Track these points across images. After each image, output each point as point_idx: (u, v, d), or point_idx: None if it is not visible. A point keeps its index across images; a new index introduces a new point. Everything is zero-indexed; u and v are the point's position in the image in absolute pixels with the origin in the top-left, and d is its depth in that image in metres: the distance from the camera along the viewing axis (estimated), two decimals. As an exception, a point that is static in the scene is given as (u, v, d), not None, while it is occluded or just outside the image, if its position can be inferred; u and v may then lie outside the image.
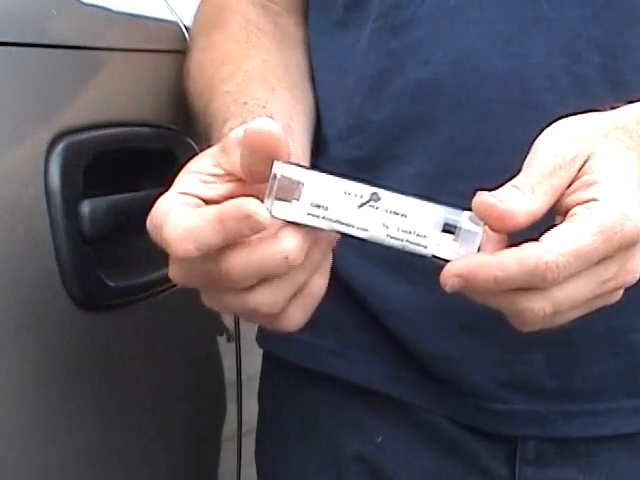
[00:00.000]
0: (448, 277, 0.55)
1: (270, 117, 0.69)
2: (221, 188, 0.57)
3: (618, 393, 0.75)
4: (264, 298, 0.57)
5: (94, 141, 0.76)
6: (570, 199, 0.57)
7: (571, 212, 0.56)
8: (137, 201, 0.79)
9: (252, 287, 0.56)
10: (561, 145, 0.58)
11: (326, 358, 0.80)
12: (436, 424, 0.78)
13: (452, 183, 0.71)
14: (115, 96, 0.81)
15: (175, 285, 0.85)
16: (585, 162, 0.57)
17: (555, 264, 0.53)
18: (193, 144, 0.89)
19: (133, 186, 0.81)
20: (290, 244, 0.55)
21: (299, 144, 0.73)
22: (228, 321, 1.00)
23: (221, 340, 1.00)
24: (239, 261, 0.55)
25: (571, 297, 0.56)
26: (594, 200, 0.56)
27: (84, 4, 0.80)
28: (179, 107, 0.84)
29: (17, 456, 0.68)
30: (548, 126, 0.60)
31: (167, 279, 0.85)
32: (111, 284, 0.75)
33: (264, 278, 0.56)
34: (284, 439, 0.86)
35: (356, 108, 0.76)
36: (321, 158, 0.79)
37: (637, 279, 0.58)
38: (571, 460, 0.76)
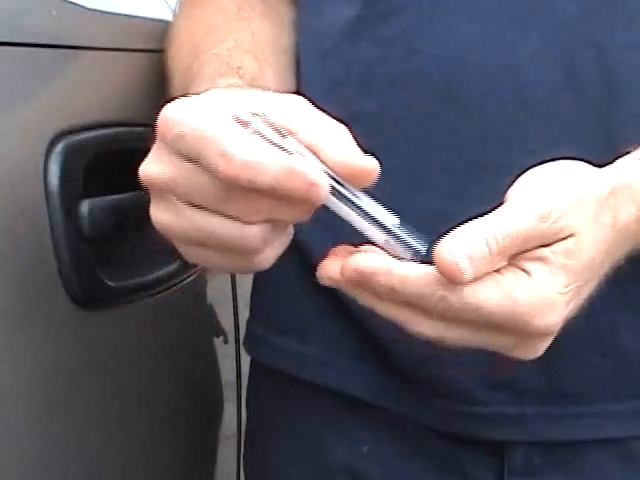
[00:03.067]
0: (348, 269, 0.55)
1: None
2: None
3: (606, 396, 0.74)
4: (260, 231, 0.54)
5: (94, 141, 0.76)
6: (521, 258, 0.56)
7: (505, 268, 0.55)
8: (136, 201, 0.79)
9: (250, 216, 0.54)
10: (554, 212, 0.56)
11: (311, 366, 0.79)
12: (422, 434, 0.77)
13: (438, 179, 0.70)
14: (115, 96, 0.81)
15: (175, 285, 0.86)
16: (565, 238, 0.56)
17: (451, 303, 0.54)
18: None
19: (132, 186, 0.81)
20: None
21: None
22: (224, 324, 1.00)
23: (220, 341, 1.00)
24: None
25: (456, 337, 0.56)
26: (525, 272, 0.55)
27: (84, 7, 0.80)
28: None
29: (16, 455, 0.68)
30: (538, 165, 0.59)
31: (166, 279, 0.85)
32: (110, 284, 0.75)
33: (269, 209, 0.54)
34: (270, 447, 0.85)
35: (345, 98, 0.74)
36: None
37: (533, 358, 0.59)
38: (559, 468, 0.75)
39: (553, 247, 0.56)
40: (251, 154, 0.51)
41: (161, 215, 0.56)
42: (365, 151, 0.73)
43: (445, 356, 0.72)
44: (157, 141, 0.56)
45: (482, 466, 0.76)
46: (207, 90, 0.60)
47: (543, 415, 0.73)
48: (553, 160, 0.60)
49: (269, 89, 0.68)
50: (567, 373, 0.72)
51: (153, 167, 0.56)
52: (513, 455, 0.75)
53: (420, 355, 0.74)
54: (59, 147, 0.71)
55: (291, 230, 0.58)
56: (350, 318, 0.77)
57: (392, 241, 0.56)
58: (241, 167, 0.51)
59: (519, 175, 0.60)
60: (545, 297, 0.55)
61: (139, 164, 0.83)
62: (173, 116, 0.53)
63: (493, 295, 0.54)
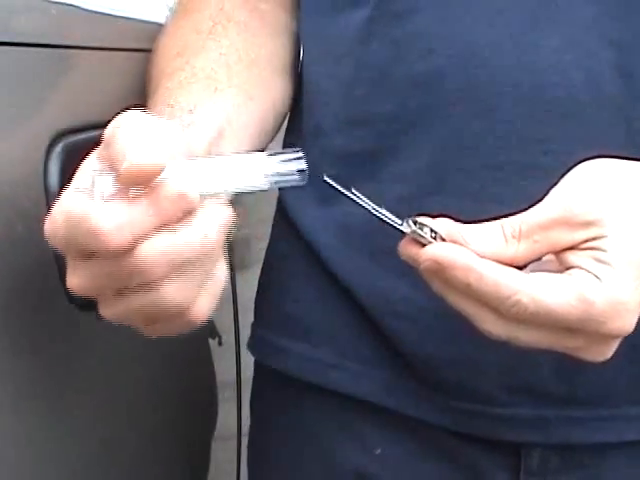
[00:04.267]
0: (425, 257, 0.56)
1: (188, 124, 0.67)
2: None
3: (624, 399, 0.74)
4: (176, 290, 0.55)
5: (94, 141, 0.75)
6: (578, 259, 0.57)
7: (572, 270, 0.56)
8: (137, 201, 0.79)
9: (162, 281, 0.54)
10: (580, 205, 0.57)
11: (321, 369, 0.79)
12: (436, 436, 0.76)
13: (456, 180, 0.70)
14: (115, 96, 0.81)
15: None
16: (597, 236, 0.57)
17: (525, 307, 0.54)
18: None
19: (132, 186, 0.81)
20: (208, 223, 0.54)
21: (231, 148, 0.70)
22: (224, 324, 1.00)
23: (218, 341, 1.00)
24: (155, 248, 0.53)
25: (529, 340, 0.57)
26: (596, 278, 0.55)
27: (83, 7, 0.80)
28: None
29: (16, 456, 0.68)
30: (586, 160, 0.59)
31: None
32: (110, 284, 0.75)
33: (176, 267, 0.54)
34: (277, 450, 0.84)
35: (357, 99, 0.74)
36: (314, 149, 0.76)
37: (603, 360, 0.59)
38: (576, 470, 0.75)
39: (601, 242, 0.56)
40: (117, 217, 0.52)
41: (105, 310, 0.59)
42: (375, 152, 0.73)
43: (464, 359, 0.72)
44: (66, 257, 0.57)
45: (498, 467, 0.75)
46: None
47: (562, 418, 0.73)
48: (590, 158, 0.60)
49: (219, 113, 0.69)
50: (586, 377, 0.72)
51: (72, 281, 0.57)
52: (530, 456, 0.75)
53: (439, 358, 0.73)
54: (59, 147, 0.71)
55: (222, 276, 0.58)
56: (363, 320, 0.76)
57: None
58: (125, 242, 0.52)
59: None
60: (620, 300, 0.55)
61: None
62: (49, 225, 0.55)
63: (567, 299, 0.54)
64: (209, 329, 0.99)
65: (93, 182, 0.55)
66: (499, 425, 0.74)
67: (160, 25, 0.90)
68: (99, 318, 0.60)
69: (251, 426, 0.89)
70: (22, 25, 0.71)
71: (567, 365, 0.71)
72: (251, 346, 0.87)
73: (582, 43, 0.68)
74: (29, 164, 0.70)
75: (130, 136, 0.53)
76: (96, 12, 0.81)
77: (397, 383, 0.77)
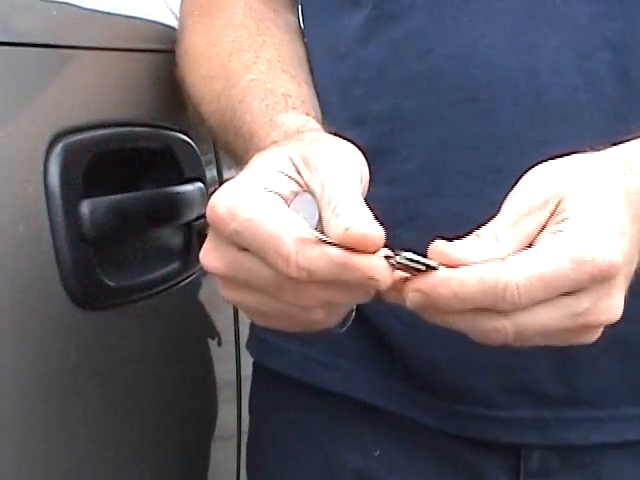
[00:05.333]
0: (408, 291, 0.54)
1: (309, 113, 0.69)
2: (295, 189, 0.57)
3: (623, 400, 0.73)
4: (325, 317, 0.57)
5: (94, 141, 0.76)
6: (544, 233, 0.55)
7: (538, 238, 0.55)
8: (137, 201, 0.79)
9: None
10: (533, 189, 0.56)
11: (317, 370, 0.79)
12: (435, 438, 0.76)
13: (453, 181, 0.70)
14: (115, 96, 0.81)
15: (174, 285, 0.86)
16: (557, 205, 0.56)
17: (515, 285, 0.52)
18: (193, 144, 0.89)
19: (133, 186, 0.81)
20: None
21: None
22: (223, 324, 1.00)
23: (217, 341, 1.00)
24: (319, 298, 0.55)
25: (537, 323, 0.54)
26: (559, 232, 0.54)
27: (83, 7, 0.80)
28: (179, 107, 0.84)
29: (16, 454, 0.68)
30: (533, 167, 0.59)
31: (166, 279, 0.85)
32: (110, 284, 0.75)
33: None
34: (275, 451, 0.84)
35: (356, 99, 0.74)
36: None
37: (616, 319, 0.56)
38: (576, 471, 0.75)
39: (562, 210, 0.55)
40: (308, 257, 0.52)
41: (225, 292, 0.58)
42: (373, 152, 0.74)
43: (463, 360, 0.72)
44: (211, 231, 0.57)
45: (498, 468, 0.75)
46: (263, 138, 0.64)
47: (561, 419, 0.73)
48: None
49: (310, 105, 0.71)
50: (586, 378, 0.72)
51: (211, 258, 0.57)
52: (530, 457, 0.74)
53: (437, 360, 0.73)
54: (59, 147, 0.71)
55: None
56: (360, 322, 0.76)
57: None
58: (299, 270, 0.52)
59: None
60: (590, 233, 0.54)
61: (139, 164, 0.83)
62: (225, 211, 0.54)
63: (551, 261, 0.53)
64: (209, 329, 0.99)
65: (294, 207, 0.56)
66: (498, 427, 0.74)
67: (162, 25, 0.90)
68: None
69: (250, 426, 0.89)
70: (22, 25, 0.72)
71: (565, 366, 0.71)
72: (249, 347, 0.87)
73: (580, 44, 0.68)
74: (29, 164, 0.70)
75: (342, 182, 0.55)
76: (96, 11, 0.81)
77: (394, 385, 0.76)
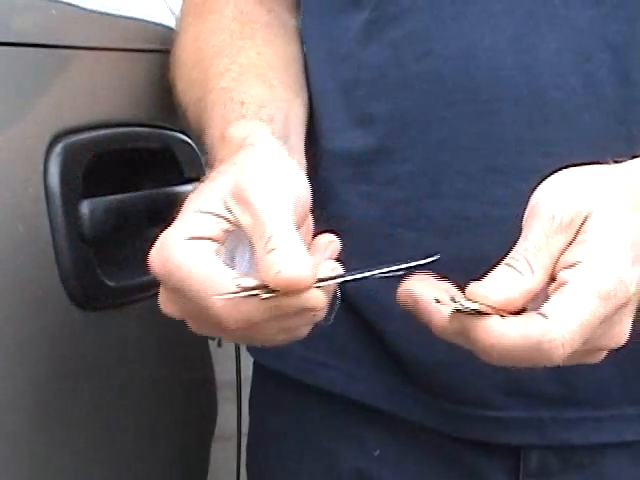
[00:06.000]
0: (448, 326, 0.55)
1: (270, 119, 0.69)
2: (226, 227, 0.57)
3: (621, 400, 0.73)
4: (289, 337, 0.58)
5: (94, 141, 0.76)
6: (567, 255, 0.55)
7: (560, 278, 0.55)
8: (137, 201, 0.79)
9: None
10: (558, 207, 0.56)
11: (317, 371, 0.79)
12: (434, 438, 0.76)
13: (453, 182, 0.69)
14: (115, 96, 0.81)
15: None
16: (583, 223, 0.56)
17: (561, 343, 0.53)
18: (193, 144, 0.89)
19: (133, 186, 0.81)
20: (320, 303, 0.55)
21: (296, 149, 0.71)
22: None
23: (217, 342, 1.00)
24: (263, 332, 0.56)
25: (589, 357, 0.56)
26: (579, 263, 0.54)
27: (86, 8, 0.80)
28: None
29: (15, 455, 0.68)
30: (547, 178, 0.58)
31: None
32: (110, 284, 0.75)
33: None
34: (276, 451, 0.84)
35: (357, 100, 0.74)
36: (315, 149, 0.77)
37: (622, 343, 0.57)
38: (576, 471, 0.74)
39: (583, 234, 0.55)
40: (240, 311, 0.54)
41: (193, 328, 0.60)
42: (374, 153, 0.73)
43: (460, 362, 0.72)
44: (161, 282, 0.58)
45: (497, 468, 0.75)
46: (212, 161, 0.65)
47: (559, 419, 0.73)
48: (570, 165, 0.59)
49: (281, 109, 0.70)
50: (583, 379, 0.72)
51: (166, 306, 0.59)
52: (529, 458, 0.74)
53: (435, 361, 0.73)
54: (59, 147, 0.71)
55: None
56: (359, 323, 0.76)
57: None
58: (236, 323, 0.54)
59: (538, 178, 0.59)
60: (612, 265, 0.54)
61: (139, 164, 0.83)
62: (161, 269, 0.56)
63: (586, 301, 0.53)
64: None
65: (232, 250, 0.57)
66: (496, 428, 0.74)
67: (161, 25, 0.90)
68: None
69: (249, 426, 0.89)
70: (22, 25, 0.72)
71: (562, 367, 0.71)
72: (249, 347, 0.87)
73: (580, 46, 0.68)
74: (29, 164, 0.70)
75: (275, 213, 0.55)
76: (96, 11, 0.81)
77: (392, 386, 0.76)
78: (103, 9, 0.82)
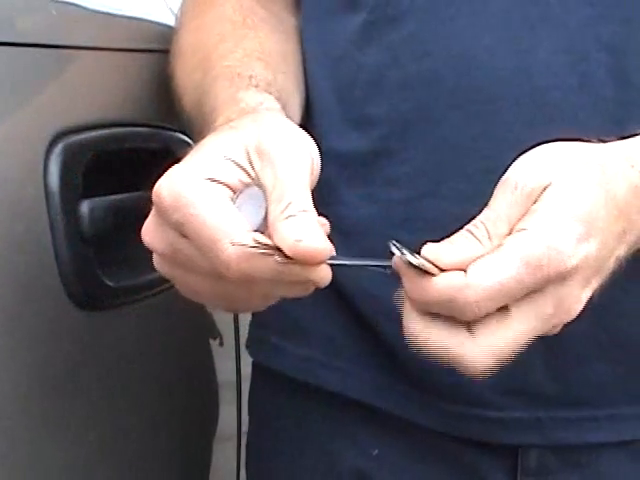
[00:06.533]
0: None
1: (279, 97, 0.68)
2: (245, 179, 0.56)
3: (619, 399, 0.74)
4: (262, 303, 0.58)
5: (93, 141, 0.76)
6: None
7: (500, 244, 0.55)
8: (136, 201, 0.79)
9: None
10: (522, 177, 0.57)
11: (315, 369, 0.79)
12: (432, 438, 0.76)
13: (452, 183, 0.70)
14: (115, 96, 0.81)
15: (174, 285, 0.86)
16: (541, 194, 0.56)
17: (475, 300, 0.53)
18: (193, 144, 0.89)
19: (132, 186, 0.81)
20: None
21: None
22: (224, 324, 1.00)
23: (219, 342, 1.00)
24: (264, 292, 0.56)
25: (512, 336, 0.55)
26: (523, 230, 0.54)
27: (86, 7, 0.80)
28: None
29: (15, 455, 0.68)
30: (522, 154, 0.59)
31: (166, 279, 0.85)
32: (110, 284, 0.75)
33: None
34: (275, 451, 0.84)
35: (354, 101, 0.74)
36: None
37: (575, 315, 0.57)
38: (574, 470, 0.75)
39: (537, 204, 0.56)
40: (249, 263, 0.52)
41: (160, 266, 0.58)
42: (371, 154, 0.73)
43: None
44: (155, 211, 0.56)
45: (495, 468, 0.75)
46: (216, 118, 0.63)
47: (557, 419, 0.73)
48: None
49: (280, 98, 0.69)
50: (580, 378, 0.72)
51: (151, 236, 0.57)
52: (527, 457, 0.74)
53: (432, 361, 0.73)
54: (59, 147, 0.71)
55: None
56: (356, 322, 0.76)
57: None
58: (239, 274, 0.53)
59: None
60: (548, 235, 0.54)
61: (139, 164, 0.83)
62: (169, 200, 0.54)
63: (509, 263, 0.53)
64: (210, 329, 0.99)
65: (239, 206, 0.55)
66: (493, 428, 0.74)
67: (161, 25, 0.90)
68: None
69: (249, 426, 0.89)
70: (23, 25, 0.72)
71: (559, 366, 0.72)
72: (248, 346, 0.88)
73: (576, 46, 0.68)
74: (29, 164, 0.70)
75: (295, 179, 0.55)
76: (96, 11, 0.81)
77: (391, 385, 0.77)
78: (103, 9, 0.82)
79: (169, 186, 0.54)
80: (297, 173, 0.55)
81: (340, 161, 0.75)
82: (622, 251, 0.59)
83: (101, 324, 0.77)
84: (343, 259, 0.58)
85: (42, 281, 0.70)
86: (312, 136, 0.78)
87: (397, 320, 0.72)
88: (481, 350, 0.55)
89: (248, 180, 0.56)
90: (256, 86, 0.68)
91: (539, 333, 0.56)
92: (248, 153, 0.56)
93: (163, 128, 0.86)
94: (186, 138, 0.88)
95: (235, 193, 0.56)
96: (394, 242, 0.55)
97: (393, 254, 0.56)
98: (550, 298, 0.55)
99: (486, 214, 0.56)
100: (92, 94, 0.78)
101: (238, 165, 0.56)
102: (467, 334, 0.55)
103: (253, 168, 0.56)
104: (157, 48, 0.87)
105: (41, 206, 0.70)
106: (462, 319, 0.55)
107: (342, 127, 0.76)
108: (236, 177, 0.56)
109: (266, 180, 0.55)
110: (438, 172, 0.71)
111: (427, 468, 0.77)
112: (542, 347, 0.70)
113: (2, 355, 0.66)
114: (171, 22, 0.91)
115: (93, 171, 0.74)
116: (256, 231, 0.54)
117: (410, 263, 0.54)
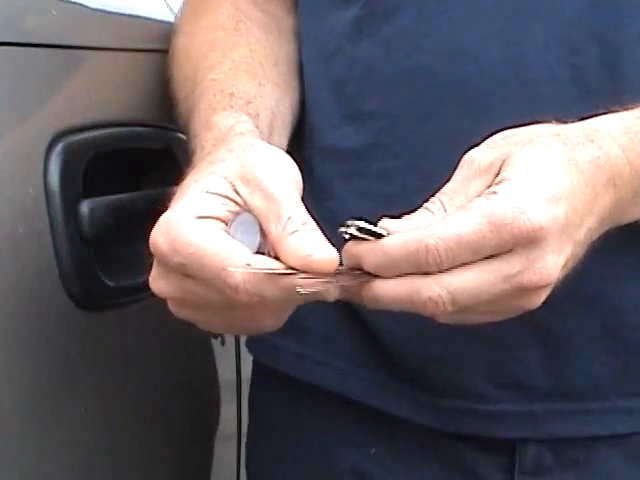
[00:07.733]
0: (346, 256, 0.57)
1: (256, 114, 0.69)
2: (233, 209, 0.58)
3: (614, 393, 0.74)
4: (275, 322, 0.60)
5: (94, 141, 0.76)
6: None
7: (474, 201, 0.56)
8: (137, 201, 0.79)
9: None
10: (478, 153, 0.58)
11: (312, 368, 0.79)
12: (429, 436, 0.76)
13: (444, 178, 0.70)
14: (115, 96, 0.81)
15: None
16: (501, 167, 0.57)
17: (435, 247, 0.54)
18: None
19: (133, 186, 0.81)
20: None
21: (277, 147, 0.72)
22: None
23: (219, 341, 1.00)
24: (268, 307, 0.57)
25: (469, 287, 0.55)
26: (493, 193, 0.55)
27: (85, 7, 0.80)
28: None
29: (15, 455, 0.68)
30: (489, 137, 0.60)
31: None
32: (110, 284, 0.76)
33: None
34: (275, 449, 0.84)
35: (348, 96, 0.75)
36: (308, 147, 0.77)
37: (552, 281, 0.57)
38: (570, 467, 0.75)
39: (505, 173, 0.56)
40: (257, 284, 0.54)
41: (174, 309, 0.61)
42: (365, 149, 0.73)
43: (452, 355, 0.72)
44: (156, 261, 0.58)
45: (492, 466, 0.75)
46: (196, 151, 0.65)
47: (551, 412, 0.73)
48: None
49: (267, 107, 0.71)
50: (574, 371, 0.72)
51: (159, 284, 0.59)
52: (524, 454, 0.75)
53: (426, 356, 0.73)
54: (59, 147, 0.71)
55: None
56: (352, 320, 0.77)
57: None
58: (249, 297, 0.54)
59: None
60: (514, 196, 0.55)
61: (139, 164, 0.83)
62: (167, 247, 0.56)
63: (470, 219, 0.54)
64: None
65: (234, 229, 0.57)
66: (488, 422, 0.74)
67: (161, 24, 0.90)
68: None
69: (249, 425, 0.89)
70: (23, 25, 0.72)
71: (553, 359, 0.72)
72: (249, 344, 0.88)
73: (568, 38, 0.68)
74: (29, 164, 0.70)
75: (288, 196, 0.56)
76: (97, 11, 0.81)
77: (388, 383, 0.77)
78: (104, 9, 0.82)
79: (163, 233, 0.56)
80: (287, 190, 0.56)
81: (335, 157, 0.75)
82: (593, 222, 0.60)
83: (101, 324, 0.77)
84: None
85: (42, 281, 0.70)
86: (305, 132, 0.79)
87: (389, 317, 0.73)
88: (441, 289, 0.55)
89: (236, 209, 0.57)
90: (232, 107, 0.69)
91: (502, 291, 0.56)
92: (231, 183, 0.57)
93: (163, 128, 0.86)
94: (186, 138, 0.88)
95: (227, 224, 0.57)
96: (347, 222, 0.56)
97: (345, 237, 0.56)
98: (518, 258, 0.55)
99: (442, 190, 0.58)
100: (92, 94, 0.78)
101: (224, 196, 0.57)
102: (431, 276, 0.55)
103: (240, 196, 0.57)
104: (158, 48, 0.87)
105: (41, 206, 0.70)
106: (428, 270, 0.55)
107: (337, 122, 0.76)
108: (224, 209, 0.57)
109: (257, 204, 0.57)
110: (431, 166, 0.70)
111: (425, 467, 0.77)
112: (537, 340, 0.70)
113: (2, 355, 0.66)
114: (172, 21, 0.91)
115: (93, 171, 0.74)
116: (256, 253, 0.55)
117: (360, 229, 0.55)
